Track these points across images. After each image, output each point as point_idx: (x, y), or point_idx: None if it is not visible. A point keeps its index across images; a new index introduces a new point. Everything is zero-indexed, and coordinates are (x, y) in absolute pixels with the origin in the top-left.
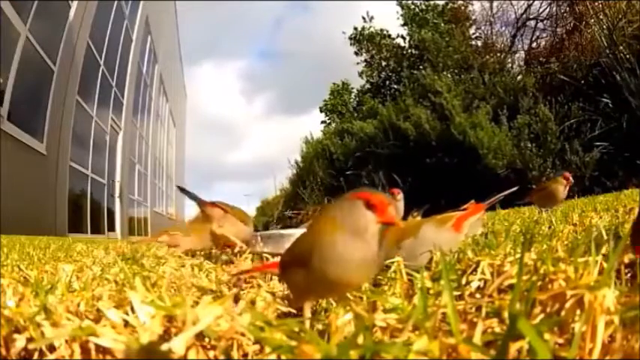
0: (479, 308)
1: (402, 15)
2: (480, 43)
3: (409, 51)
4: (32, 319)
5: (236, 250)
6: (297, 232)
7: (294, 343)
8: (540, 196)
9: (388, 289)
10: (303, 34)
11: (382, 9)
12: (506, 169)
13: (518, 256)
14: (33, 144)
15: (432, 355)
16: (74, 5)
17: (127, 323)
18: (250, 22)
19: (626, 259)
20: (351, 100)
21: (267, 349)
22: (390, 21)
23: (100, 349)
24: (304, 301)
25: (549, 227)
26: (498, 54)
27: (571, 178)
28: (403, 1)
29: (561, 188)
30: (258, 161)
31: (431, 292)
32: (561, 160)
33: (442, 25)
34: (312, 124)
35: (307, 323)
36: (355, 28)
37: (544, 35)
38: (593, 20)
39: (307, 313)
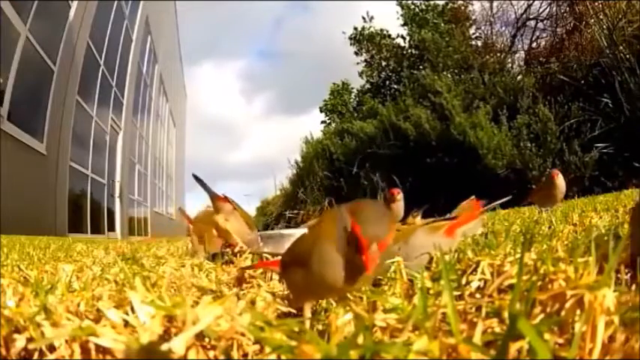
0: (479, 308)
1: (402, 15)
2: (480, 43)
3: (409, 51)
4: (32, 319)
5: (236, 249)
6: (297, 232)
7: (294, 343)
8: (540, 196)
9: (388, 289)
10: (302, 34)
11: (382, 9)
12: (506, 169)
13: (518, 256)
14: (33, 144)
15: (432, 355)
16: (74, 5)
17: (127, 323)
18: (250, 22)
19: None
20: (351, 100)
21: (267, 349)
22: (390, 21)
23: (100, 349)
24: (304, 301)
25: (549, 227)
26: (498, 54)
27: (555, 175)
28: (403, 1)
29: (558, 187)
30: (258, 161)
31: (431, 292)
32: (561, 160)
33: (442, 25)
34: (312, 124)
35: (307, 323)
36: (355, 28)
37: (544, 35)
38: (593, 20)
39: (307, 313)
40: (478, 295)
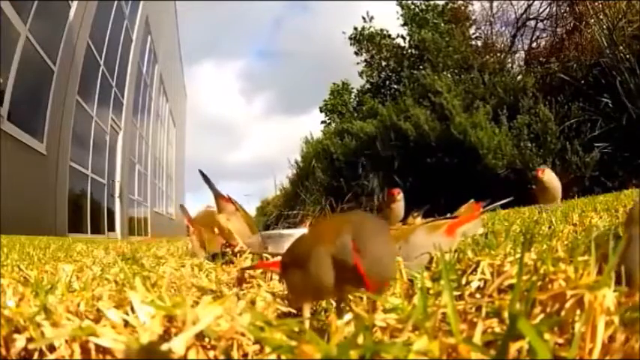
0: (479, 308)
1: (402, 15)
2: (480, 43)
3: (409, 51)
4: (32, 319)
5: (236, 249)
6: (297, 232)
7: (294, 343)
8: (538, 197)
9: (388, 289)
10: (302, 34)
11: (382, 9)
12: (506, 169)
13: (518, 256)
14: (33, 144)
15: (432, 355)
16: (74, 5)
17: (127, 323)
18: (250, 22)
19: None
20: (351, 100)
21: (267, 349)
22: (390, 21)
23: (100, 349)
24: (303, 302)
25: (549, 227)
26: (498, 54)
27: (539, 172)
28: (403, 1)
29: (546, 182)
30: (258, 161)
31: (431, 292)
32: (561, 160)
33: (442, 25)
34: (312, 124)
35: (307, 323)
36: (355, 28)
37: (544, 35)
38: (593, 20)
39: (306, 313)
40: (478, 295)
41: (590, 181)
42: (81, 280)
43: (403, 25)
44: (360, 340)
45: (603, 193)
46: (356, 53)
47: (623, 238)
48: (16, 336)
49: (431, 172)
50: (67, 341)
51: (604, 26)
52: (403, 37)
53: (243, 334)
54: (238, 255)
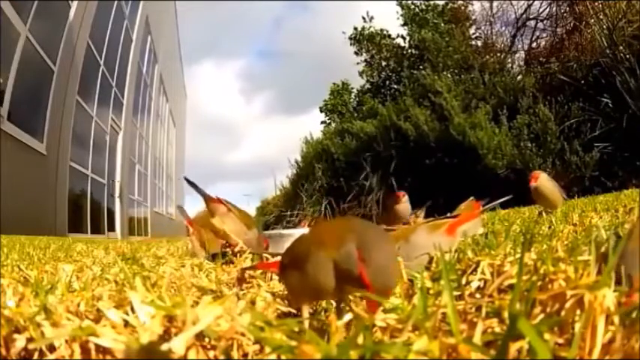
0: (479, 308)
1: (402, 15)
2: (480, 43)
3: (409, 51)
4: (32, 319)
5: (236, 249)
6: (297, 232)
7: (294, 343)
8: (538, 201)
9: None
10: (302, 34)
11: (382, 9)
12: (506, 169)
13: (518, 256)
14: (33, 144)
15: (432, 355)
16: (74, 5)
17: (127, 323)
18: (250, 22)
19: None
20: (351, 100)
21: (267, 349)
22: (390, 21)
23: (100, 349)
24: (301, 302)
25: (549, 227)
26: (498, 54)
27: (532, 181)
28: (403, 1)
29: (539, 188)
30: (258, 161)
31: (431, 292)
32: (561, 160)
33: (442, 25)
34: (312, 124)
35: (306, 323)
36: (355, 28)
37: (544, 35)
38: (593, 20)
39: (305, 314)
40: (478, 295)
41: (590, 181)
42: (81, 280)
43: (403, 25)
44: (360, 340)
45: (603, 193)
46: (356, 53)
47: (624, 238)
48: (16, 336)
49: (431, 172)
50: (67, 341)
51: (604, 26)
52: (403, 37)
53: (243, 334)
54: (238, 255)
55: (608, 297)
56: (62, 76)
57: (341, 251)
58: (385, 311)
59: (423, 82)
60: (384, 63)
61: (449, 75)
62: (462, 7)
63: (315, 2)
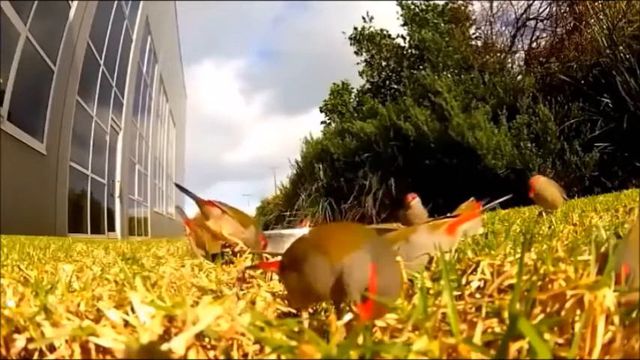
0: (479, 308)
1: (402, 15)
2: (480, 43)
3: (409, 51)
4: (32, 319)
5: (236, 249)
6: (297, 232)
7: (294, 343)
8: (538, 203)
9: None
10: (302, 33)
11: (382, 9)
12: (506, 170)
13: (518, 256)
14: (33, 144)
15: (432, 355)
16: (74, 5)
17: (127, 323)
18: (250, 22)
19: None
20: (351, 100)
21: (267, 349)
22: (390, 21)
23: (100, 349)
24: (299, 304)
25: (549, 227)
26: (498, 54)
27: (532, 189)
28: (403, 1)
29: (540, 191)
30: (258, 161)
31: (431, 292)
32: (561, 160)
33: (442, 25)
34: (312, 124)
35: (306, 323)
36: (355, 28)
37: (544, 35)
38: (593, 20)
39: (303, 314)
40: (478, 295)
41: (590, 181)
42: (81, 280)
43: (403, 25)
44: (360, 340)
45: (603, 193)
46: (356, 53)
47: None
48: (16, 336)
49: (431, 172)
50: (67, 341)
51: (604, 26)
52: (403, 37)
53: (243, 334)
54: (238, 255)
55: (608, 297)
56: (62, 76)
57: (348, 260)
58: None
59: (423, 82)
60: (384, 63)
61: (449, 75)
62: (462, 7)
63: (315, 2)
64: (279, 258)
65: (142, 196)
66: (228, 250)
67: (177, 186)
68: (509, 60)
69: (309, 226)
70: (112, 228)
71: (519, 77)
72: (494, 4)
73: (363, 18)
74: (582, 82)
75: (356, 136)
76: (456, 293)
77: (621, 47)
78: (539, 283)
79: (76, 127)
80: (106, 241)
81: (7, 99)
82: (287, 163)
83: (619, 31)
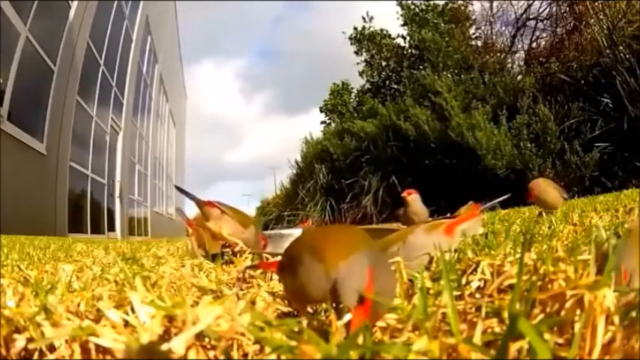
0: (479, 308)
1: (402, 15)
2: (480, 43)
3: (409, 51)
4: (32, 319)
5: (236, 249)
6: (297, 232)
7: (294, 343)
8: (538, 205)
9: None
10: (302, 33)
11: (382, 9)
12: (506, 170)
13: (518, 256)
14: (33, 144)
15: (432, 355)
16: (74, 5)
17: (127, 323)
18: (249, 22)
19: None
20: (351, 100)
21: (267, 349)
22: (390, 21)
23: (100, 349)
24: (297, 305)
25: (549, 227)
26: (498, 54)
27: (531, 195)
28: (403, 1)
29: (540, 193)
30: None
31: (431, 292)
32: (561, 160)
33: (442, 25)
34: (312, 124)
35: (304, 323)
36: (355, 28)
37: (544, 35)
38: (593, 20)
39: (302, 315)
40: (478, 295)
41: (590, 181)
42: (81, 280)
43: (403, 25)
44: (360, 340)
45: (603, 193)
46: (356, 53)
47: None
48: (16, 336)
49: (431, 173)
50: (67, 341)
51: (604, 26)
52: (403, 37)
53: (243, 334)
54: (238, 255)
55: (608, 297)
56: (62, 76)
57: (344, 265)
58: None
59: (423, 82)
60: (384, 63)
61: (449, 75)
62: (462, 7)
63: (315, 2)
64: (279, 258)
65: (142, 196)
66: (228, 250)
67: (177, 188)
68: (509, 60)
69: (312, 225)
70: (112, 228)
71: (519, 77)
72: (494, 4)
73: (363, 18)
74: (582, 82)
75: (356, 136)
76: (456, 293)
77: (621, 47)
78: (539, 283)
79: (76, 127)
80: (106, 241)
81: (7, 99)
82: (287, 163)
83: (619, 31)
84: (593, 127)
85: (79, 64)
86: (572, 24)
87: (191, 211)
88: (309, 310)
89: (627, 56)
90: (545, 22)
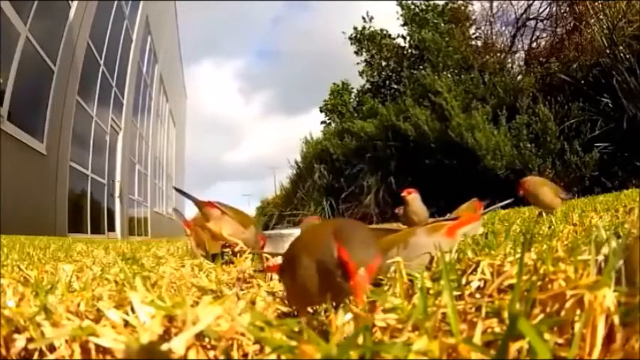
0: (479, 308)
1: (402, 15)
2: (480, 43)
3: (409, 51)
4: (32, 319)
5: (236, 249)
6: (297, 232)
7: (294, 343)
8: (534, 204)
9: (388, 289)
10: (302, 33)
11: (382, 9)
12: (506, 170)
13: (518, 256)
14: (33, 144)
15: (432, 355)
16: (74, 5)
17: (127, 323)
18: (249, 22)
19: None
20: (351, 100)
21: (267, 349)
22: (390, 21)
23: (100, 349)
24: (297, 305)
25: (549, 227)
26: (498, 54)
27: (522, 185)
28: (403, 1)
29: (531, 193)
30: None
31: (431, 292)
32: (561, 160)
33: (442, 25)
34: (312, 124)
35: (303, 322)
36: (355, 28)
37: (544, 35)
38: (593, 20)
39: (301, 315)
40: (478, 295)
41: (590, 181)
42: (81, 280)
43: (403, 25)
44: (360, 340)
45: (603, 193)
46: (356, 53)
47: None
48: (16, 336)
49: (431, 173)
50: (67, 341)
51: (604, 26)
52: (403, 37)
53: (243, 334)
54: (238, 255)
55: (608, 297)
56: (62, 76)
57: (320, 248)
58: (385, 311)
59: (423, 82)
60: (384, 63)
61: (449, 75)
62: (462, 7)
63: (315, 2)
64: (279, 258)
65: (142, 196)
66: (228, 250)
67: (177, 189)
68: (509, 60)
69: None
70: (112, 228)
71: (519, 77)
72: (494, 4)
73: (363, 18)
74: (582, 82)
75: (356, 136)
76: (456, 293)
77: (621, 47)
78: (539, 283)
79: (76, 127)
80: (106, 241)
81: (7, 99)
82: (287, 163)
83: (619, 31)
84: (593, 127)
85: (79, 64)
86: (572, 24)
87: (191, 211)
88: (309, 310)
89: (627, 56)
90: (545, 22)
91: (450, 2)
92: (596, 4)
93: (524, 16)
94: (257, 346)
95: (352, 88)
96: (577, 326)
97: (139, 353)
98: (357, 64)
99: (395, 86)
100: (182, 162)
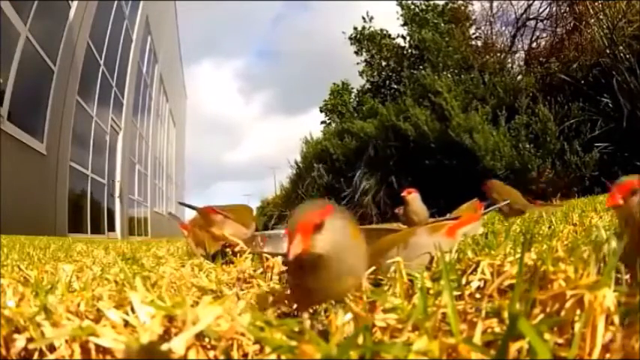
0: (479, 308)
1: (402, 15)
2: (480, 43)
3: (409, 51)
4: (32, 319)
5: (236, 249)
6: None
7: (294, 343)
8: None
9: (388, 289)
10: (302, 33)
11: (382, 9)
12: (506, 170)
13: (518, 256)
14: (33, 144)
15: (432, 355)
16: (74, 5)
17: (127, 323)
18: (249, 22)
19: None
20: (351, 100)
21: (267, 349)
22: (390, 21)
23: (100, 349)
24: (297, 305)
25: (549, 227)
26: (498, 54)
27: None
28: (403, 1)
29: (511, 197)
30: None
31: (431, 292)
32: (561, 161)
33: (442, 25)
34: (312, 124)
35: (306, 323)
36: (355, 28)
37: (544, 35)
38: (593, 20)
39: (303, 315)
40: (478, 295)
41: (590, 181)
42: (81, 280)
43: (403, 25)
44: (360, 340)
45: (603, 193)
46: (356, 53)
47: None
48: (16, 336)
49: (431, 173)
50: (67, 341)
51: (604, 26)
52: (403, 37)
53: (243, 334)
54: (238, 255)
55: (608, 297)
56: (62, 76)
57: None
58: (385, 311)
59: (423, 82)
60: (384, 63)
61: (449, 75)
62: (462, 7)
63: (315, 2)
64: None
65: (142, 196)
66: (228, 250)
67: (181, 203)
68: (509, 60)
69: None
70: (112, 228)
71: (519, 77)
72: (494, 4)
73: (363, 18)
74: (582, 82)
75: (356, 136)
76: (456, 293)
77: (621, 47)
78: (539, 283)
79: (76, 127)
80: (106, 241)
81: (7, 99)
82: (287, 163)
83: (619, 31)
84: (593, 127)
85: (79, 64)
86: (572, 24)
87: (190, 214)
88: (309, 310)
89: (627, 56)
90: (545, 22)
91: (450, 2)
92: (596, 4)
93: (524, 16)
94: (257, 346)
95: (352, 88)
96: (577, 326)
97: (139, 353)
98: (357, 64)
99: (395, 86)
100: (182, 162)
